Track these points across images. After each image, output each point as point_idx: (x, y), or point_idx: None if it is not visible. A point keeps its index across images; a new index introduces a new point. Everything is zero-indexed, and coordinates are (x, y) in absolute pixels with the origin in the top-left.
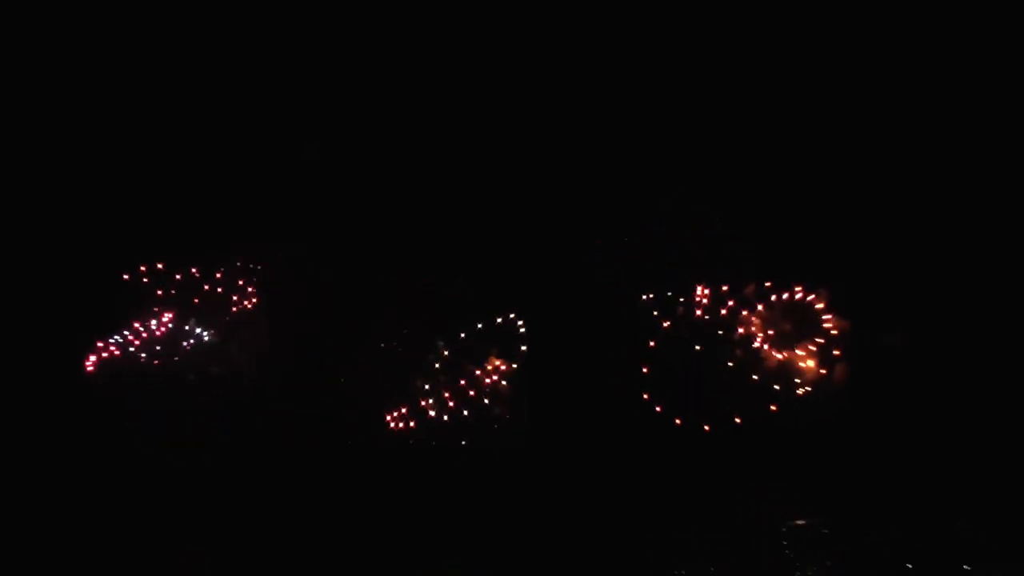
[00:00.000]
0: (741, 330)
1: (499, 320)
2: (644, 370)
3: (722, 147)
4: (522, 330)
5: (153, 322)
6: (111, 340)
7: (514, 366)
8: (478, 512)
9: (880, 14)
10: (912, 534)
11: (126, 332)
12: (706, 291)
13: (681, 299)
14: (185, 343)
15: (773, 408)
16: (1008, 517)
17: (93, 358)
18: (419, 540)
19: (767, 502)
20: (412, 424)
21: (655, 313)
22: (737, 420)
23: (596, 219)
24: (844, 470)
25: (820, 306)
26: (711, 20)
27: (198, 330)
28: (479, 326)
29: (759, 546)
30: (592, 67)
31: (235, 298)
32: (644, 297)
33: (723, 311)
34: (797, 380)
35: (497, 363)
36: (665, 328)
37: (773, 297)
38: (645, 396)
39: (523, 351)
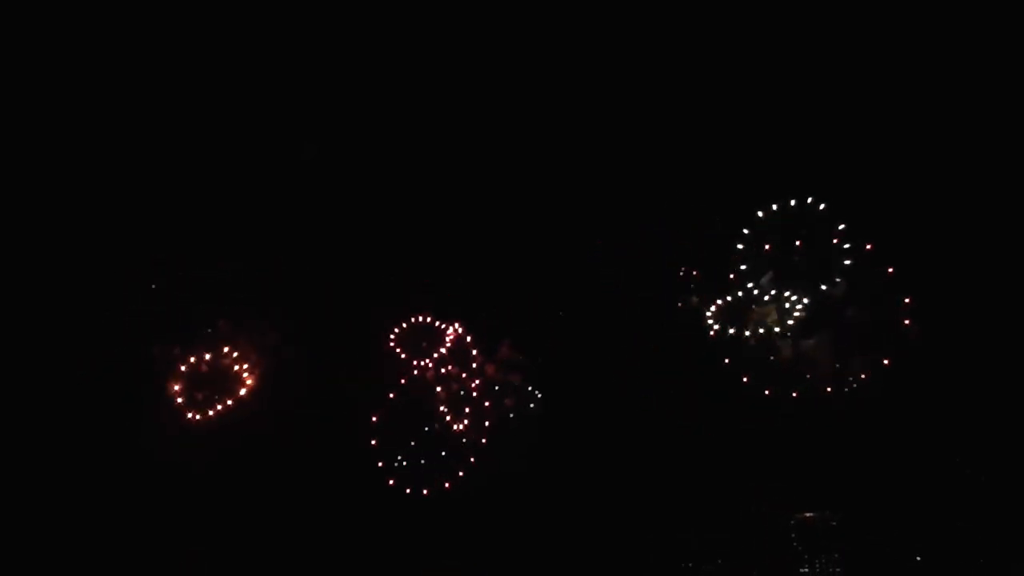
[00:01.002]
0: (742, 329)
1: (499, 320)
2: (644, 370)
3: (721, 147)
4: (524, 329)
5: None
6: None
7: (515, 366)
8: (478, 511)
9: (878, 13)
10: (920, 528)
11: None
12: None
13: (681, 298)
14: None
15: (779, 408)
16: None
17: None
18: (419, 540)
19: (768, 502)
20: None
21: (656, 313)
22: (741, 421)
23: (596, 219)
24: (850, 466)
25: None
26: (711, 20)
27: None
28: (479, 326)
29: (768, 539)
30: (592, 67)
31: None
32: (644, 297)
33: (722, 309)
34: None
35: (497, 363)
36: (665, 328)
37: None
38: (645, 396)
39: (524, 351)
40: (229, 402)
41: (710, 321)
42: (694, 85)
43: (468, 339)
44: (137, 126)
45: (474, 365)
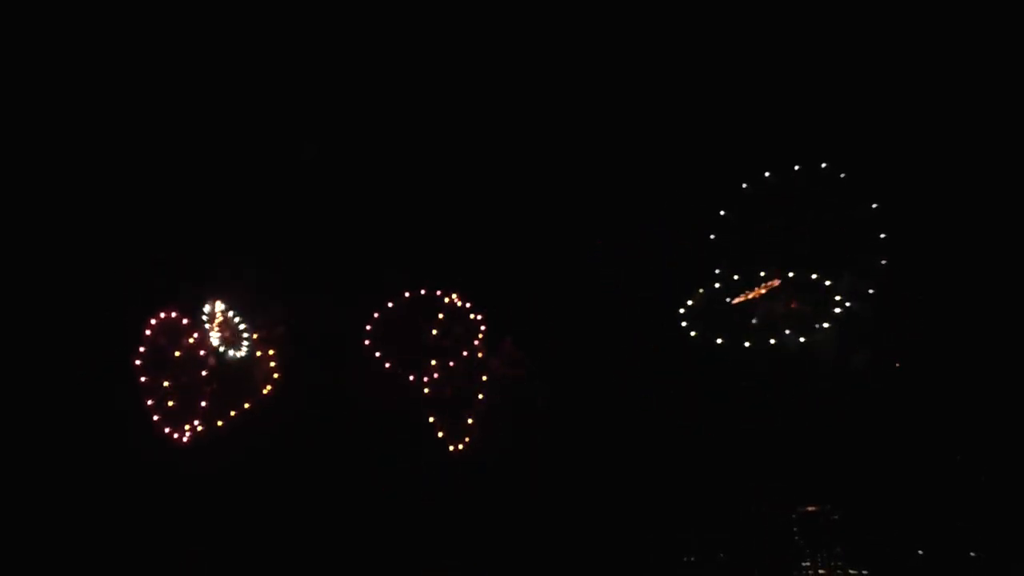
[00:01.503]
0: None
1: (499, 320)
2: (644, 370)
3: (722, 147)
4: (524, 331)
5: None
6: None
7: (515, 367)
8: (478, 512)
9: (879, 13)
10: (922, 524)
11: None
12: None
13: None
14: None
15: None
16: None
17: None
18: (419, 540)
19: (769, 498)
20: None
21: (655, 313)
22: (741, 419)
23: (596, 219)
24: (852, 460)
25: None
26: (711, 20)
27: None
28: (480, 326)
29: (769, 533)
30: (592, 67)
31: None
32: (644, 297)
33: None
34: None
35: (498, 363)
36: (665, 328)
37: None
38: (645, 396)
39: (524, 352)
40: (246, 405)
41: (702, 323)
42: (694, 85)
43: (472, 336)
44: (135, 125)
45: (480, 355)
